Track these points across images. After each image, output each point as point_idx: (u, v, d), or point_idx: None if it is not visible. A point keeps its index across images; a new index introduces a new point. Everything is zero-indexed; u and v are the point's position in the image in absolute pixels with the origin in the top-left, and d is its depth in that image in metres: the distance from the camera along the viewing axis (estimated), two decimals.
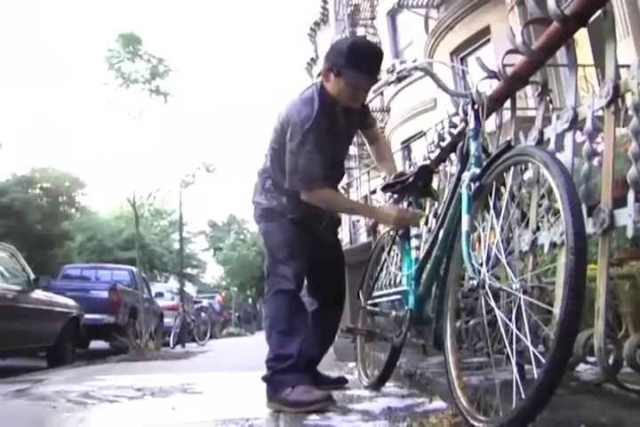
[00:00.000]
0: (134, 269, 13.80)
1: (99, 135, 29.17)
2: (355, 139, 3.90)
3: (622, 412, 1.78)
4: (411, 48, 16.89)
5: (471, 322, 2.68)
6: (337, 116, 3.23)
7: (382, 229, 5.74)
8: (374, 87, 2.86)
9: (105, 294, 11.48)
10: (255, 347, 6.65)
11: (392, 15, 18.55)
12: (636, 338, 1.65)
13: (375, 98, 3.75)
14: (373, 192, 8.93)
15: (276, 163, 3.31)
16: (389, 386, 3.56)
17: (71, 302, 9.39)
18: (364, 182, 14.37)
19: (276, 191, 3.37)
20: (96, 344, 11.73)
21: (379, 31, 19.27)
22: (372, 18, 19.84)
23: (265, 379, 3.17)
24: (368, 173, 12.62)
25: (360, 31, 20.24)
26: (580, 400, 2.00)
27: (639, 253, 3.65)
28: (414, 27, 16.08)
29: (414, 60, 2.72)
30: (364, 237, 12.77)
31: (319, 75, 3.32)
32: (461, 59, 13.06)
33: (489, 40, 11.56)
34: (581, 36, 8.33)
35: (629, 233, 1.67)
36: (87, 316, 10.02)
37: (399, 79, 2.70)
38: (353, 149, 16.22)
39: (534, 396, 1.67)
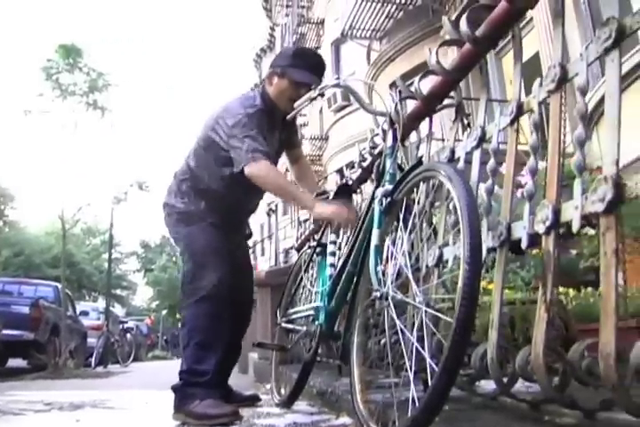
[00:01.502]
0: (59, 285, 13.43)
1: (31, 147, 28.48)
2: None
3: (515, 424, 1.81)
4: (356, 68, 17.16)
5: (381, 340, 2.69)
6: (274, 124, 3.24)
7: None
8: (297, 102, 2.86)
9: (26, 310, 11.09)
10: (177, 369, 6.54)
11: (336, 45, 18.90)
12: (527, 349, 1.68)
13: (297, 113, 3.71)
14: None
15: (202, 162, 3.26)
16: (301, 404, 3.53)
17: None
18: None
19: (194, 195, 3.29)
20: (14, 362, 11.33)
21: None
22: (317, 47, 20.12)
23: (174, 389, 3.09)
24: None
25: None
26: (477, 414, 2.02)
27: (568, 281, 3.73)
28: (357, 57, 16.38)
29: (337, 78, 2.76)
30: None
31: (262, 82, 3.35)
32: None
33: (373, 86, 11.86)
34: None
35: (524, 244, 1.71)
36: (6, 331, 9.70)
37: (321, 95, 2.73)
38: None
39: (427, 403, 1.67)
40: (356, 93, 2.76)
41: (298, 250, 6.29)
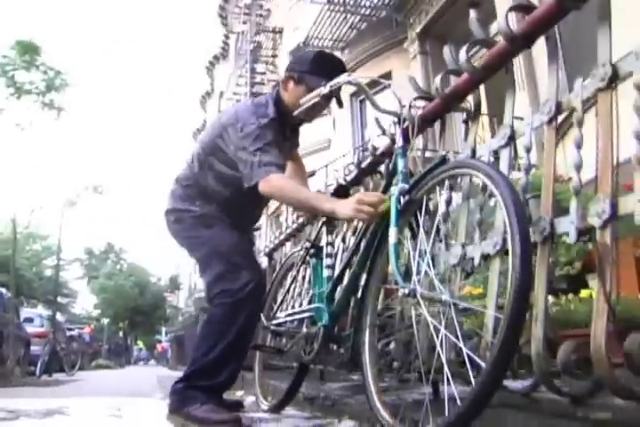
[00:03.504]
0: (3, 290, 13.00)
1: None
2: None
3: (549, 420, 1.80)
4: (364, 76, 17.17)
5: (392, 340, 2.66)
6: (285, 132, 3.12)
7: (279, 255, 5.71)
8: (304, 99, 2.80)
9: None
10: (127, 378, 6.40)
11: (294, 54, 18.90)
12: (570, 343, 1.67)
13: (303, 111, 3.64)
14: None
15: (206, 167, 3.13)
16: (289, 410, 3.46)
17: None
18: None
19: (203, 199, 3.16)
20: None
21: (279, 69, 19.53)
22: (274, 55, 20.12)
23: (174, 389, 2.96)
24: None
25: (260, 68, 20.46)
26: (510, 413, 2.00)
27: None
28: (357, 75, 16.39)
29: (348, 75, 2.72)
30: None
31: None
32: (361, 101, 13.41)
33: (389, 85, 11.95)
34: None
35: (572, 239, 1.71)
36: None
37: (331, 92, 2.68)
38: None
39: (474, 399, 1.65)
40: (368, 92, 2.72)
41: (268, 255, 6.22)
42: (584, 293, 3.11)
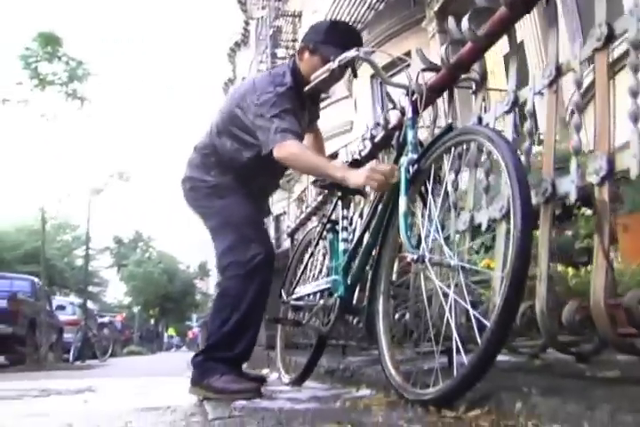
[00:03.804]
0: (35, 279, 13.26)
1: (7, 138, 27.83)
2: None
3: (557, 380, 1.83)
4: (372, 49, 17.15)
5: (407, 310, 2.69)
6: (303, 102, 3.14)
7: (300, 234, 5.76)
8: (314, 75, 2.83)
9: (4, 304, 10.90)
10: (157, 362, 6.54)
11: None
12: (574, 302, 1.69)
13: (318, 88, 3.61)
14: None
15: (224, 136, 3.15)
16: (310, 383, 3.53)
17: None
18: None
19: (220, 168, 3.18)
20: None
21: None
22: (294, 40, 20.06)
23: (194, 364, 3.04)
24: None
25: (281, 52, 20.42)
26: (519, 374, 2.04)
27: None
28: (366, 48, 16.34)
29: (357, 50, 2.74)
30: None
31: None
32: (381, 82, 13.34)
33: (409, 65, 11.89)
34: (498, 64, 8.75)
35: (572, 198, 1.73)
36: None
37: (340, 67, 2.70)
38: None
39: (478, 359, 1.69)
40: (377, 65, 2.74)
41: (290, 235, 6.28)
42: None
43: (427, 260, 2.06)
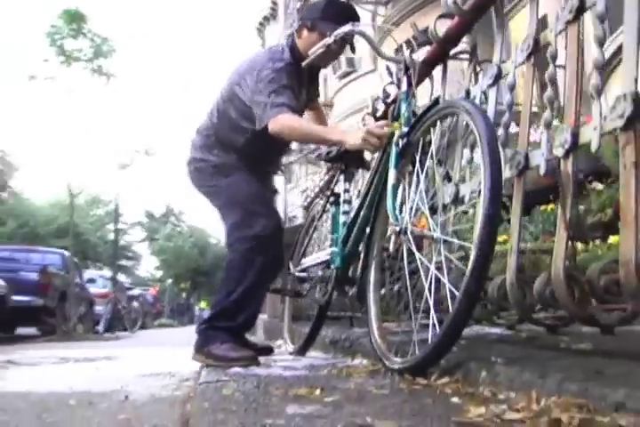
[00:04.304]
0: (66, 253, 13.54)
1: (35, 115, 28.12)
2: None
3: (534, 351, 1.87)
4: (357, 44, 17.04)
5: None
6: (302, 78, 3.17)
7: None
8: (312, 50, 2.86)
9: (35, 276, 11.17)
10: (186, 334, 6.69)
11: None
12: (545, 275, 1.73)
13: (314, 63, 3.60)
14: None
15: (224, 116, 3.19)
16: (314, 353, 3.61)
17: None
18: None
19: (223, 148, 3.23)
20: (23, 331, 11.46)
21: None
22: None
23: (198, 331, 3.13)
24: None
25: None
26: (494, 345, 2.09)
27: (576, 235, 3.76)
28: (362, 22, 16.23)
29: (352, 24, 2.76)
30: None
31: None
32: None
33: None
34: None
35: (542, 171, 1.75)
36: (15, 297, 9.75)
37: (336, 42, 2.73)
38: None
39: (447, 328, 1.73)
40: (372, 40, 2.77)
41: (306, 208, 6.34)
42: (612, 239, 3.11)
43: (409, 231, 2.10)
